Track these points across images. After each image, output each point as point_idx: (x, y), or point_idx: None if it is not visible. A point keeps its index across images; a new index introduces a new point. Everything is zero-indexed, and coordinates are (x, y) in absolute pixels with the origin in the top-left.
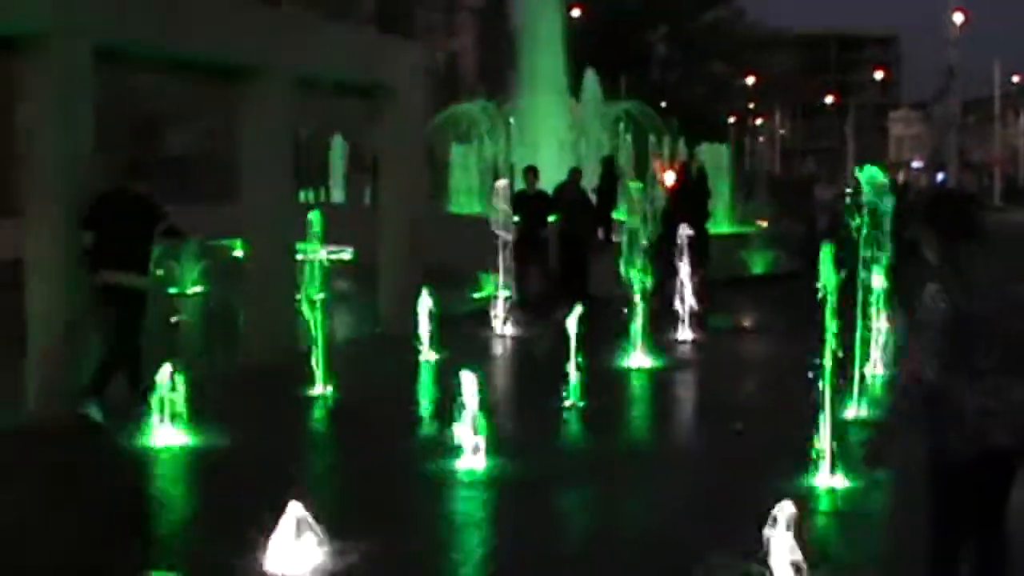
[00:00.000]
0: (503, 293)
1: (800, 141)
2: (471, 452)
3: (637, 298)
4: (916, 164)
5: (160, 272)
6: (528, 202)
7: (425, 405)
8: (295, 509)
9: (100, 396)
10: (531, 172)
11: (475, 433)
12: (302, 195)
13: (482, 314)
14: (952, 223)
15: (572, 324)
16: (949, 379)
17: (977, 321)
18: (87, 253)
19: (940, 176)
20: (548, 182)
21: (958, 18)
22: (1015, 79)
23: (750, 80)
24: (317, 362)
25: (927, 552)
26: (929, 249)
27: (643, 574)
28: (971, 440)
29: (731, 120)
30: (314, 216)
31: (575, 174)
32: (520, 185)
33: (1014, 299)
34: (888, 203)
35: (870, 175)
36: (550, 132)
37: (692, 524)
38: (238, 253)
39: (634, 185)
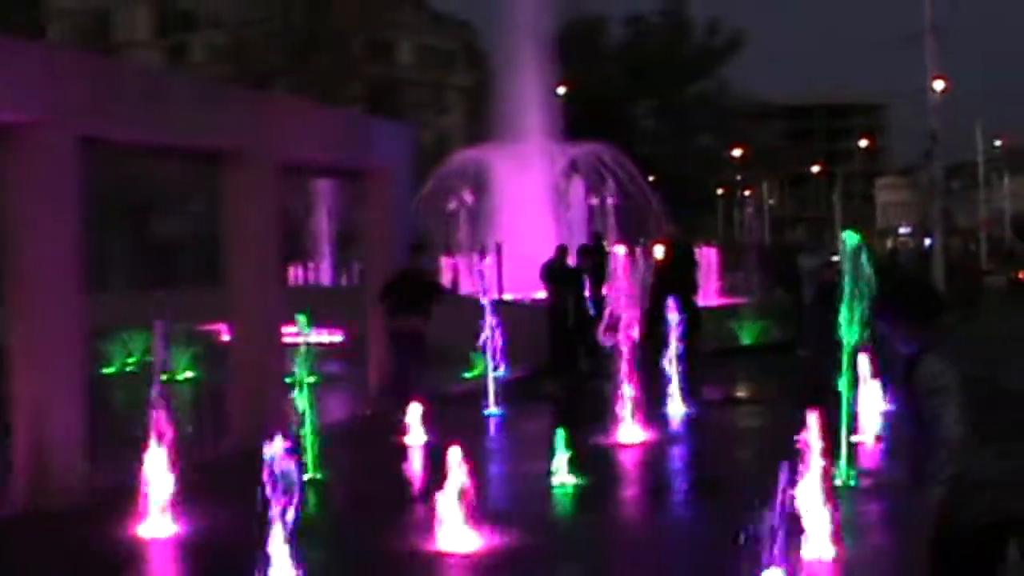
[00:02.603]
0: (493, 372)
1: (789, 210)
2: (459, 531)
3: (627, 372)
4: (904, 230)
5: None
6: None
7: (413, 486)
8: None
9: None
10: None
11: (463, 512)
12: (292, 273)
13: (474, 393)
14: (919, 307)
15: (562, 399)
16: (966, 448)
17: (976, 387)
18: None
19: (928, 241)
20: (529, 240)
21: (939, 85)
22: (997, 143)
23: (737, 152)
24: (305, 446)
25: None
26: (900, 338)
27: None
28: (995, 509)
29: (720, 192)
30: (302, 316)
31: (562, 251)
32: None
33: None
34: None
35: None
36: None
37: None
38: (227, 337)
39: None
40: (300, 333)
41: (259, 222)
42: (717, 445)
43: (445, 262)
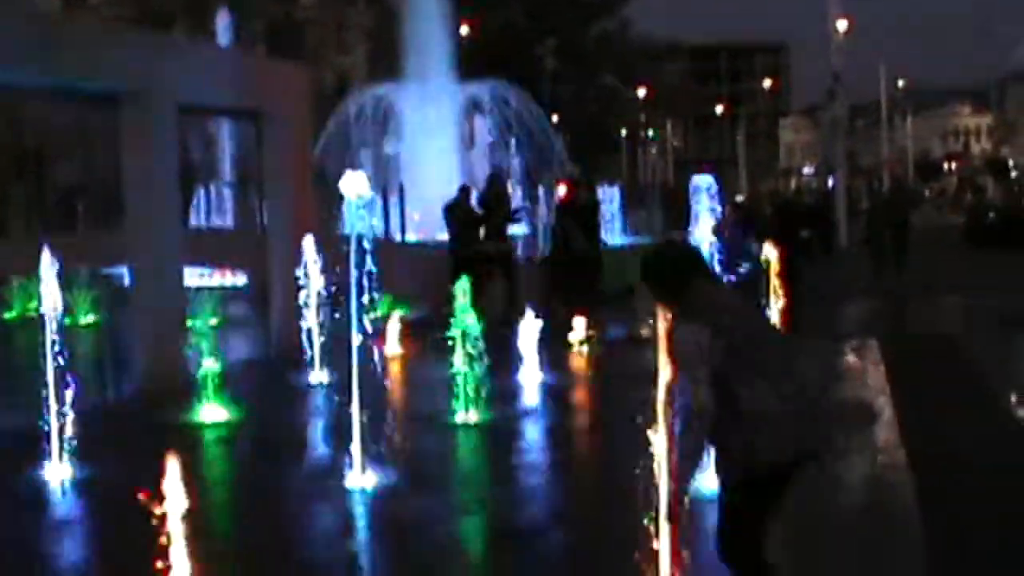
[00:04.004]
0: (396, 313)
1: (693, 151)
2: (360, 470)
3: (532, 313)
4: (807, 170)
5: None
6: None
7: (315, 426)
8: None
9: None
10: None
11: (364, 451)
12: (193, 216)
13: (376, 334)
14: (673, 274)
15: (466, 340)
16: (754, 390)
17: (748, 330)
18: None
19: (831, 181)
20: (432, 181)
21: (842, 24)
22: (900, 83)
23: (641, 92)
24: (208, 388)
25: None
26: (661, 304)
27: None
28: (787, 446)
29: (624, 133)
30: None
31: (464, 191)
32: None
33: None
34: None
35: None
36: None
37: (582, 530)
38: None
39: None
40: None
41: (157, 164)
42: (619, 384)
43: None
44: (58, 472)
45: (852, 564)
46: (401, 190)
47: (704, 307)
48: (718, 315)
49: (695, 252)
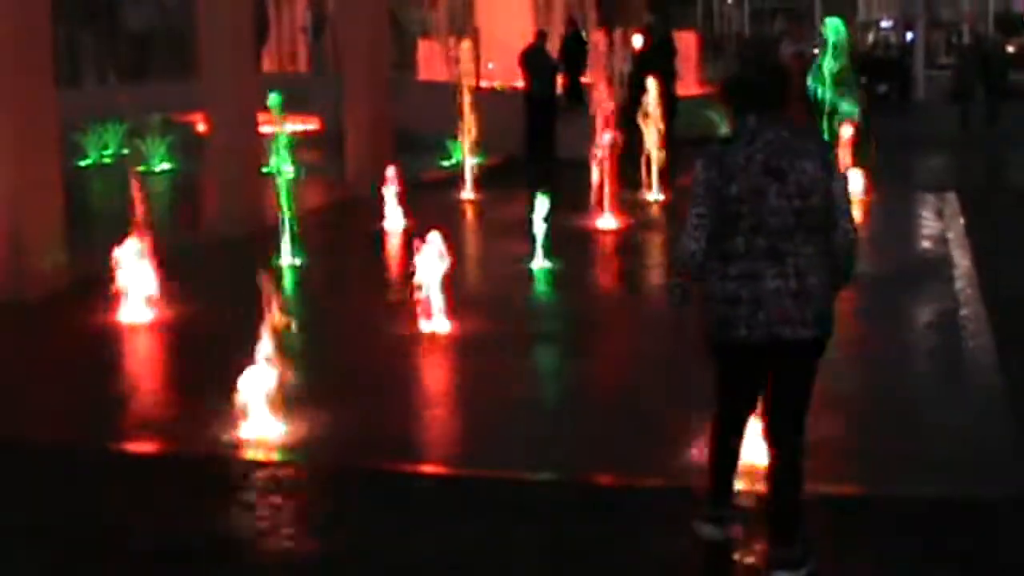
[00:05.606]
0: (470, 160)
1: (770, 0)
2: (436, 314)
3: (604, 159)
4: (885, 23)
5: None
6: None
7: (392, 270)
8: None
9: None
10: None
11: (440, 295)
12: (267, 60)
13: (450, 180)
14: (744, 94)
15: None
16: (707, 264)
17: (734, 201)
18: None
19: (909, 35)
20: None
21: None
22: None
23: None
24: (283, 233)
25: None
26: (726, 122)
27: (599, 424)
28: (717, 330)
29: None
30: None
31: (541, 37)
32: None
33: (779, 172)
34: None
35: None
36: None
37: (648, 379)
38: (203, 127)
39: None
40: (274, 119)
41: (232, 9)
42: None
43: (422, 47)
44: (134, 314)
45: (933, 412)
46: (476, 36)
47: (735, 147)
48: (725, 163)
49: (766, 88)
